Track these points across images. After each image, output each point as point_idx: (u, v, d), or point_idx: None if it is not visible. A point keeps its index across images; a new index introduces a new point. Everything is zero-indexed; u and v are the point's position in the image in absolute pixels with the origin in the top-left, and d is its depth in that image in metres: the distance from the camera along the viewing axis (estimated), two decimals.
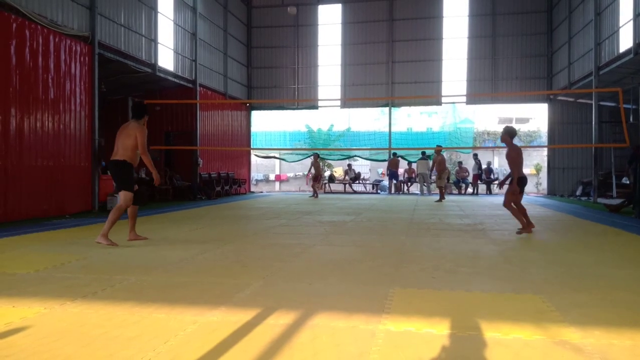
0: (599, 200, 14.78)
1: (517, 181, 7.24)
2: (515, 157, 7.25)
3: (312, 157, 18.60)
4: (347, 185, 22.14)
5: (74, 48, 10.79)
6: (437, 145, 17.49)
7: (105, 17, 12.00)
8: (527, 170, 27.40)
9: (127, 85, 15.33)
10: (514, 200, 7.33)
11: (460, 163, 21.37)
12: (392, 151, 20.11)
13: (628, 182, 12.30)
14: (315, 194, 17.60)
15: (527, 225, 7.28)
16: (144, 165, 15.35)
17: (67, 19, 10.67)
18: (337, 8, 21.46)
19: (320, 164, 17.72)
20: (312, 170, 18.10)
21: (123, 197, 6.06)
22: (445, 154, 17.40)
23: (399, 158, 20.77)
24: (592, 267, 4.90)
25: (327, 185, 22.76)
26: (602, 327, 3.01)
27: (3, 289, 3.92)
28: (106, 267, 4.81)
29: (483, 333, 2.90)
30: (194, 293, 3.85)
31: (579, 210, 11.82)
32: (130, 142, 6.03)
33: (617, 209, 11.09)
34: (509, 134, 7.37)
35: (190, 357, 2.56)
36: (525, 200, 15.68)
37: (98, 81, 11.61)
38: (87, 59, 11.22)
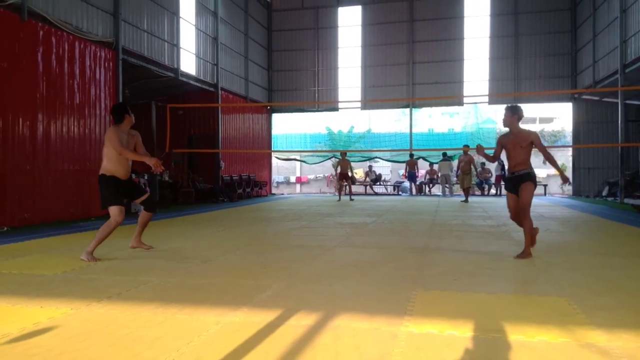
0: (626, 200, 14.45)
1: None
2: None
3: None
4: (367, 187, 22.07)
5: (98, 54, 11.00)
6: (465, 145, 17.27)
7: (129, 23, 12.20)
8: (551, 170, 27.02)
9: (151, 89, 15.55)
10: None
11: (483, 164, 21.10)
12: (410, 152, 19.97)
13: None
14: (338, 196, 16.94)
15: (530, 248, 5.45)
16: (166, 168, 15.66)
17: (91, 25, 10.88)
18: (357, 10, 21.45)
19: (350, 163, 16.99)
20: (338, 169, 17.10)
21: (111, 212, 5.51)
22: (470, 154, 17.16)
23: (418, 159, 20.61)
24: (618, 270, 4.79)
25: (346, 187, 22.68)
26: (630, 330, 2.94)
27: (31, 290, 4.02)
28: (130, 269, 4.89)
29: (507, 335, 2.86)
30: (216, 294, 3.89)
31: (605, 211, 11.58)
32: (106, 150, 5.58)
33: None
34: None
35: (213, 357, 2.58)
36: (550, 201, 15.39)
37: (122, 86, 11.81)
38: (111, 64, 11.42)
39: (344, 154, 16.94)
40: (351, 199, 16.47)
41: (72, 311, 3.41)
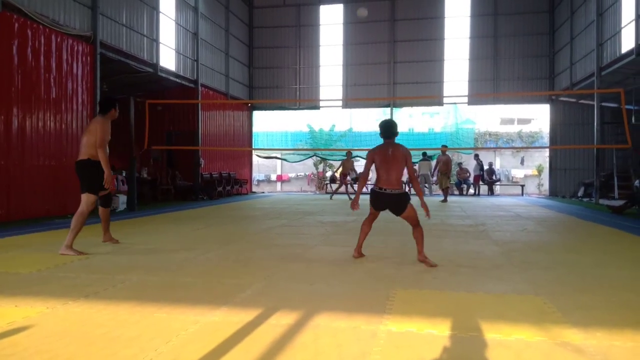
0: (601, 201, 14.76)
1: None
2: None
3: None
4: (348, 186, 22.09)
5: (75, 48, 10.81)
6: (443, 145, 17.43)
7: (107, 17, 12.01)
8: (529, 171, 27.48)
9: (129, 85, 15.34)
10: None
11: (460, 164, 21.33)
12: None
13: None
14: (347, 195, 16.67)
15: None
16: (145, 165, 15.47)
17: (69, 18, 10.68)
18: (339, 8, 21.46)
19: (353, 163, 16.80)
20: (340, 169, 16.91)
21: (85, 200, 5.55)
22: (448, 154, 17.32)
23: None
24: (594, 269, 4.89)
25: (328, 185, 22.75)
26: (604, 328, 3.00)
27: (6, 289, 3.93)
28: (108, 267, 4.82)
29: (484, 334, 2.90)
30: (196, 293, 3.86)
31: (580, 212, 11.80)
32: (92, 139, 5.60)
33: (621, 210, 11.07)
34: None
35: (191, 357, 2.56)
36: (526, 201, 15.64)
37: (100, 81, 11.63)
38: (88, 58, 11.23)
39: (349, 153, 16.73)
40: (349, 198, 16.37)
41: (47, 310, 3.35)
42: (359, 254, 5.39)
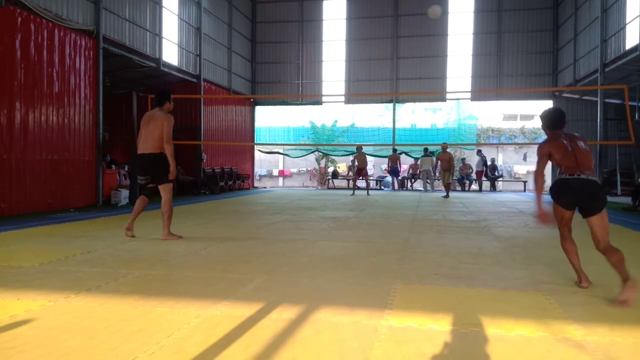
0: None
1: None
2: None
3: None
4: (350, 181, 22.11)
5: (78, 42, 10.81)
6: (443, 142, 17.41)
7: (110, 11, 12.00)
8: (531, 167, 27.40)
9: (132, 79, 15.35)
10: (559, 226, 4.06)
11: (463, 160, 21.29)
12: (393, 147, 20.05)
13: None
14: (353, 190, 16.59)
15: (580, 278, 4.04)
16: None
17: (72, 13, 10.68)
18: (342, 3, 21.41)
19: (366, 157, 16.62)
20: (356, 163, 16.70)
21: (166, 188, 6.06)
22: (450, 151, 17.30)
23: (400, 154, 20.70)
24: (596, 265, 4.88)
25: (330, 181, 22.76)
26: (606, 324, 3.00)
27: (8, 282, 3.95)
28: (110, 261, 4.83)
29: (485, 329, 2.90)
30: (198, 287, 3.87)
31: None
32: (157, 132, 5.93)
33: (635, 208, 10.79)
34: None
35: (193, 350, 2.57)
36: (529, 197, 15.54)
37: (102, 75, 11.63)
38: (91, 53, 11.23)
39: (359, 147, 16.60)
40: (368, 194, 16.29)
41: (50, 304, 3.36)
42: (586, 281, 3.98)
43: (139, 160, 6.12)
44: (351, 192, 16.72)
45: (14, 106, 9.11)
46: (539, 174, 4.03)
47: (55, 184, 10.09)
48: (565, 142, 3.98)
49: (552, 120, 4.23)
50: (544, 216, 3.87)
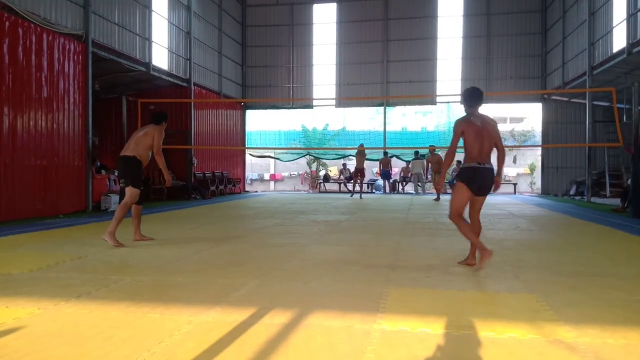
0: (592, 199, 14.85)
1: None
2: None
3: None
4: (342, 185, 22.14)
5: (67, 47, 10.73)
6: (430, 145, 17.48)
7: (99, 15, 11.94)
8: (521, 169, 27.61)
9: (122, 84, 15.26)
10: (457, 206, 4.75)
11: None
12: (384, 150, 20.09)
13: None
14: (352, 192, 16.33)
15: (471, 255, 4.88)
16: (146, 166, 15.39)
17: (60, 17, 10.61)
18: (332, 7, 21.45)
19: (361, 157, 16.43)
20: (356, 164, 16.39)
21: (129, 193, 6.04)
22: (440, 153, 17.38)
23: (392, 157, 20.74)
24: (586, 266, 4.92)
25: (322, 184, 22.77)
26: (596, 326, 3.02)
27: None
28: (101, 267, 4.79)
29: (478, 332, 2.91)
30: (189, 293, 3.85)
31: (572, 210, 11.87)
32: (146, 140, 6.14)
33: (624, 209, 10.87)
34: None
35: (185, 357, 2.55)
36: (519, 199, 15.68)
37: (92, 80, 11.56)
38: (80, 57, 11.16)
39: (361, 145, 16.35)
40: (360, 197, 16.22)
41: (39, 311, 3.32)
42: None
43: (117, 163, 6.38)
44: (350, 194, 16.66)
45: (2, 111, 9.02)
46: (451, 151, 4.80)
47: (44, 190, 10.00)
48: (478, 124, 4.66)
49: (468, 99, 4.85)
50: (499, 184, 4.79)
